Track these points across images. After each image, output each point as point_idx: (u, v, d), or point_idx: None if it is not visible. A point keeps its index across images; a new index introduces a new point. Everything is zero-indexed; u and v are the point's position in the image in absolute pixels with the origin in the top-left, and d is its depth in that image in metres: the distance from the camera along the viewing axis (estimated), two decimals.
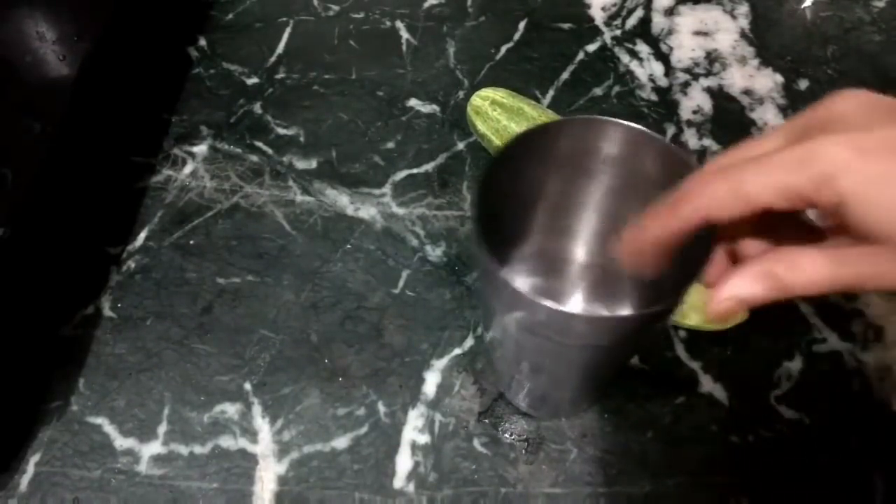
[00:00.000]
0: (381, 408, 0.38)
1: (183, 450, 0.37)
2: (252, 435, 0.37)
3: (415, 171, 0.47)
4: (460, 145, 0.48)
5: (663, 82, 0.51)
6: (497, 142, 0.43)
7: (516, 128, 0.42)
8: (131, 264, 0.43)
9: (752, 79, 0.50)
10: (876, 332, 0.39)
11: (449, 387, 0.38)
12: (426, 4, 0.56)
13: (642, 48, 0.53)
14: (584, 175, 0.29)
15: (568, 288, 0.36)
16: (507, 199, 0.28)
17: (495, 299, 0.25)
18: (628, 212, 0.29)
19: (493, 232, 0.24)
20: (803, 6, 0.55)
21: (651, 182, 0.26)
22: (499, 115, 0.43)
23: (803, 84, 0.50)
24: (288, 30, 0.55)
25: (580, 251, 0.34)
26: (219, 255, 0.43)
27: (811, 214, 0.21)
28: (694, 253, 0.22)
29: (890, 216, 0.17)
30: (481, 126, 0.44)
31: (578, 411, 0.37)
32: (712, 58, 0.52)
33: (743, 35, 0.53)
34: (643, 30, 0.54)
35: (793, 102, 0.49)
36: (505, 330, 0.27)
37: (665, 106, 0.49)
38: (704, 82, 0.51)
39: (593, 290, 0.36)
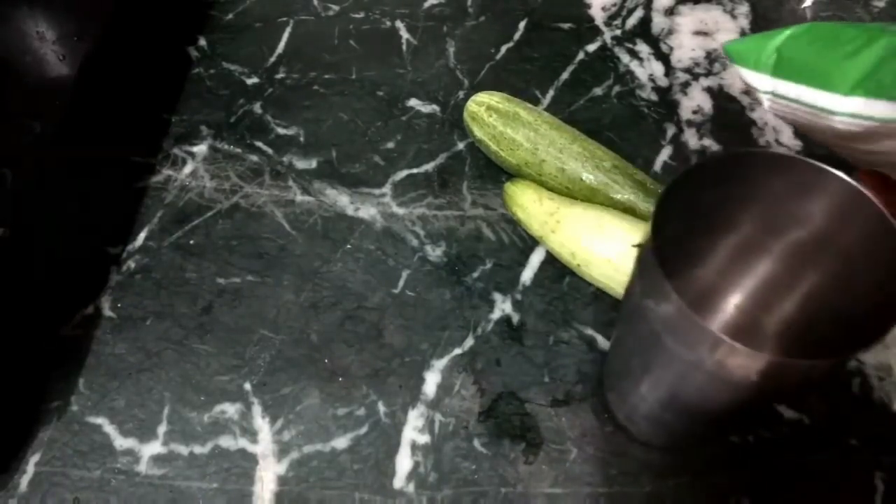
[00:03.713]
0: (381, 408, 0.38)
1: (183, 450, 0.37)
2: (252, 435, 0.37)
3: (415, 171, 0.47)
4: (460, 145, 0.48)
5: (663, 82, 0.51)
6: (494, 147, 0.43)
7: (513, 133, 0.42)
8: (131, 264, 0.43)
9: None
10: None
11: (449, 387, 0.38)
12: (426, 4, 0.56)
13: (642, 48, 0.53)
14: (771, 215, 0.26)
15: (711, 322, 0.33)
16: (681, 223, 0.26)
17: (668, 333, 0.23)
18: (805, 266, 0.27)
19: (664, 253, 0.22)
20: (803, 6, 0.55)
21: (843, 239, 0.24)
22: (494, 120, 0.43)
23: None
24: (288, 30, 0.55)
25: (734, 288, 0.32)
26: (219, 255, 0.43)
27: None
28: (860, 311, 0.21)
29: None
30: (478, 132, 0.44)
31: (698, 443, 0.35)
32: (712, 58, 0.52)
33: (743, 35, 0.53)
34: (643, 30, 0.54)
35: None
36: (660, 356, 0.25)
37: (665, 106, 0.49)
38: (704, 82, 0.51)
39: (732, 329, 0.33)
